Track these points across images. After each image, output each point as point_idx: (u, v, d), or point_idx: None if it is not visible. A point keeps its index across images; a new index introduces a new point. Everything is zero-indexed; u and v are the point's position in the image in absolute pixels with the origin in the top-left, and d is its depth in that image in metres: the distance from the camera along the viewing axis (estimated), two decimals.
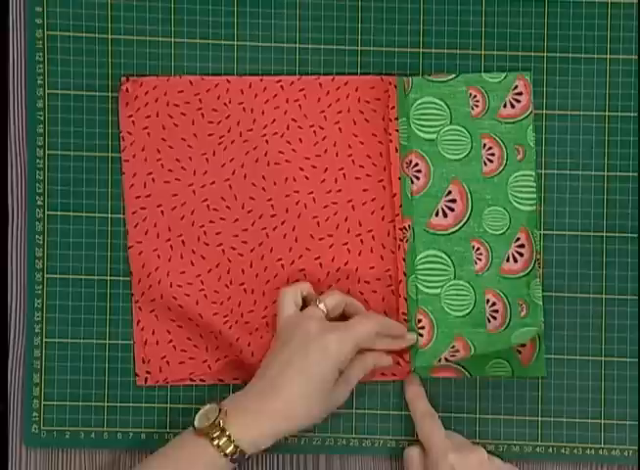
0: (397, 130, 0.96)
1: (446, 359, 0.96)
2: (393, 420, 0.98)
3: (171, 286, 0.97)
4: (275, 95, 0.97)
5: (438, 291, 0.95)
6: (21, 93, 0.98)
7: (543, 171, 0.97)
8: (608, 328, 0.97)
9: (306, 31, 0.98)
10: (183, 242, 0.97)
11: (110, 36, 0.97)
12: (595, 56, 0.97)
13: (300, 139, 0.97)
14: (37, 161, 0.97)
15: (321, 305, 0.92)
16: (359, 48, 0.98)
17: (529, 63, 0.97)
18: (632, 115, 0.97)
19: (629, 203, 0.97)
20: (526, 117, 0.96)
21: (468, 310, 0.96)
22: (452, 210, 0.96)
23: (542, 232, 0.97)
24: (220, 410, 0.86)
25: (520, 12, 0.97)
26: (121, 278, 0.98)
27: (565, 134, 0.97)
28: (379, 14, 0.97)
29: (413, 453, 0.94)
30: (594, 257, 0.97)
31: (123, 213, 0.97)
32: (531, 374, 0.97)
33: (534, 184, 0.96)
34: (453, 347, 0.95)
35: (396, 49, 0.98)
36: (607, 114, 0.98)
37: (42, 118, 0.97)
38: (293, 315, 0.92)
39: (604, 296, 0.97)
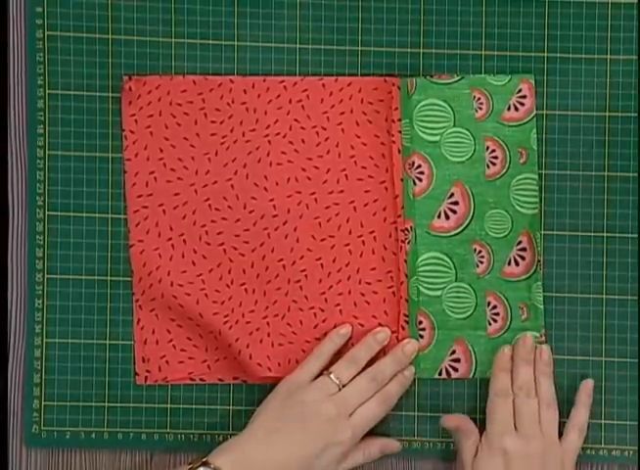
0: (400, 132, 0.96)
1: (447, 374, 0.96)
2: (394, 420, 0.98)
3: (172, 285, 0.97)
4: (278, 95, 0.97)
5: (440, 293, 0.96)
6: (21, 93, 0.97)
7: (544, 172, 0.97)
8: (608, 328, 0.97)
9: (307, 31, 0.98)
10: (184, 241, 0.97)
11: (110, 36, 0.97)
12: (595, 56, 0.97)
13: (303, 140, 0.97)
14: (37, 161, 0.97)
15: (332, 376, 0.92)
16: (360, 48, 0.98)
17: (530, 63, 0.97)
18: (633, 115, 0.97)
19: (630, 203, 0.97)
20: (530, 120, 0.96)
21: (469, 313, 0.96)
22: (454, 212, 0.96)
23: (543, 232, 0.97)
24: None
25: (520, 12, 0.97)
26: (122, 278, 0.98)
27: (565, 134, 0.97)
28: (379, 14, 0.97)
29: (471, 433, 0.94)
30: (594, 257, 0.98)
31: (124, 214, 0.97)
32: None
33: (537, 188, 0.97)
34: (453, 352, 0.96)
35: (397, 49, 0.97)
36: (607, 114, 0.98)
37: (42, 119, 0.97)
38: (306, 381, 0.92)
39: (604, 296, 0.98)
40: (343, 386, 0.91)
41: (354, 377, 0.93)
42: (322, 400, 0.90)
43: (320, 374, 0.93)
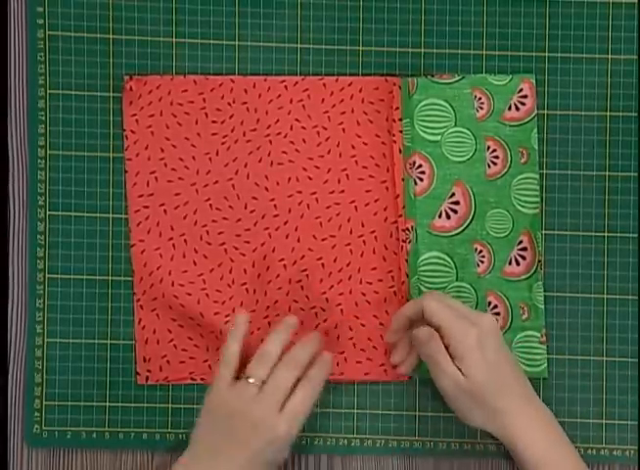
0: (401, 131, 0.96)
1: None
2: (395, 420, 0.98)
3: (173, 285, 0.97)
4: (279, 95, 0.97)
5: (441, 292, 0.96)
6: (22, 93, 0.98)
7: (545, 171, 0.97)
8: (609, 328, 0.98)
9: (308, 31, 0.98)
10: (185, 241, 0.97)
11: (111, 36, 0.97)
12: (596, 56, 0.98)
13: (304, 139, 0.97)
14: (39, 161, 0.97)
15: (250, 380, 0.88)
16: (360, 48, 0.98)
17: (531, 63, 0.97)
18: (633, 115, 0.98)
19: (630, 203, 0.98)
20: (531, 120, 0.96)
21: None
22: (455, 211, 0.96)
23: (544, 232, 0.97)
24: None
25: (521, 12, 0.97)
26: (122, 278, 0.98)
27: (566, 134, 0.98)
28: (380, 14, 0.97)
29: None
30: (595, 257, 0.98)
31: (125, 214, 0.97)
32: (533, 374, 0.97)
33: (538, 187, 0.97)
34: None
35: (398, 49, 0.98)
36: (608, 114, 0.98)
37: (43, 119, 0.97)
38: (225, 392, 0.89)
39: (605, 296, 0.98)
40: (264, 383, 0.88)
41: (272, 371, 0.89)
42: (247, 408, 0.87)
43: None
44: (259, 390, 0.87)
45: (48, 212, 0.97)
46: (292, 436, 0.88)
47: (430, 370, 0.90)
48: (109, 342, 0.98)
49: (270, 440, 0.87)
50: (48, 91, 0.97)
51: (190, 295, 0.97)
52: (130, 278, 0.98)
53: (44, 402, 0.98)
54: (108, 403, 0.98)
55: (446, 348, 0.89)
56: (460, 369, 0.87)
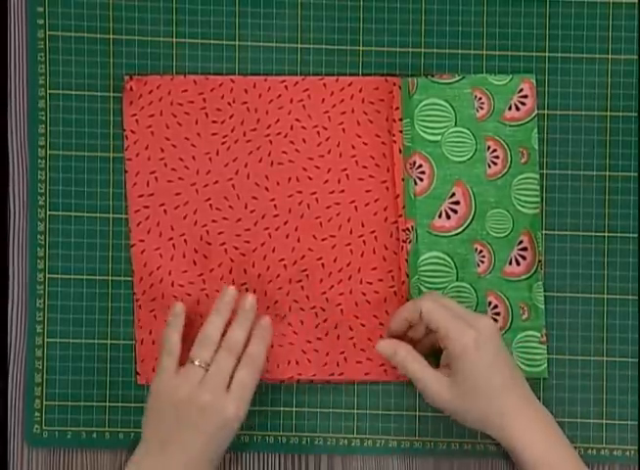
0: (401, 131, 0.96)
1: None
2: (395, 420, 0.98)
3: (173, 285, 0.97)
4: (279, 95, 0.97)
5: (441, 292, 0.95)
6: (22, 93, 0.98)
7: (545, 172, 0.97)
8: (609, 328, 0.98)
9: (308, 31, 0.98)
10: (185, 241, 0.97)
11: (111, 36, 0.97)
12: (597, 56, 0.98)
13: (304, 139, 0.97)
14: (39, 161, 0.97)
15: (196, 362, 0.90)
16: (361, 48, 0.98)
17: (531, 63, 0.97)
18: (634, 115, 0.98)
19: (631, 203, 0.98)
20: (531, 119, 0.96)
21: None
22: (455, 211, 0.96)
23: (544, 232, 0.97)
24: None
25: (521, 12, 0.97)
26: (123, 278, 0.98)
27: (566, 134, 0.98)
28: (380, 14, 0.97)
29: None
30: (596, 257, 0.98)
31: (125, 214, 0.97)
32: (533, 375, 0.97)
33: (538, 187, 0.97)
34: None
35: (398, 49, 0.98)
36: (608, 114, 0.98)
37: (44, 118, 0.97)
38: (171, 380, 0.90)
39: (605, 296, 0.98)
40: (209, 365, 0.89)
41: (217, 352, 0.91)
42: (194, 392, 0.88)
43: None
44: (205, 373, 0.89)
45: (48, 212, 0.97)
46: (240, 417, 0.89)
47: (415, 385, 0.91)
48: (109, 342, 0.98)
49: (220, 422, 0.88)
50: (48, 91, 0.97)
51: (190, 295, 0.97)
52: (130, 278, 0.98)
53: (44, 402, 0.98)
54: (108, 403, 0.98)
55: (442, 350, 0.90)
56: (456, 370, 0.88)
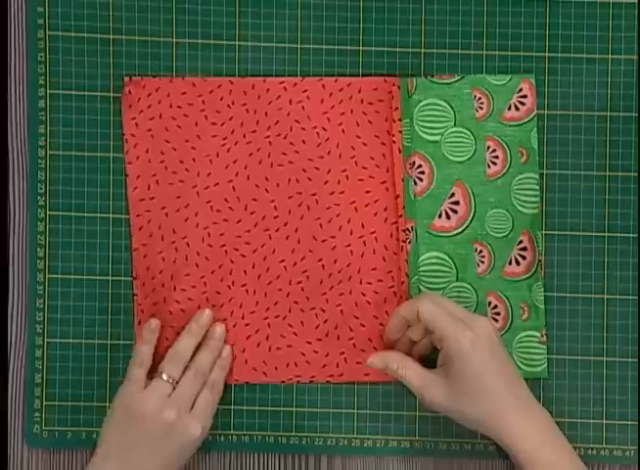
0: (401, 132, 0.96)
1: None
2: (395, 420, 0.98)
3: (175, 289, 0.97)
4: (278, 96, 0.97)
5: (441, 293, 0.95)
6: (22, 93, 0.98)
7: (545, 172, 0.97)
8: (609, 328, 0.98)
9: (308, 32, 0.98)
10: (188, 244, 0.97)
11: (111, 36, 0.97)
12: (597, 56, 0.97)
13: (303, 141, 0.97)
14: (39, 161, 0.97)
15: (164, 376, 0.93)
16: (361, 48, 0.98)
17: (531, 63, 0.97)
18: (634, 115, 0.98)
19: (631, 203, 0.98)
20: (531, 119, 0.96)
21: None
22: (455, 212, 0.96)
23: (544, 232, 0.97)
24: None
25: (521, 12, 0.97)
26: (123, 278, 0.98)
27: (566, 134, 0.98)
28: (380, 14, 0.97)
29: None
30: (596, 257, 0.98)
31: (125, 214, 0.97)
32: (533, 375, 0.97)
33: (538, 187, 0.97)
34: None
35: (398, 49, 0.98)
36: (608, 114, 0.98)
37: (44, 119, 0.97)
38: (139, 392, 0.92)
39: (605, 296, 0.98)
40: (177, 382, 0.92)
41: (185, 370, 0.94)
42: (161, 408, 0.90)
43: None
44: (172, 389, 0.92)
45: (48, 212, 0.97)
46: (201, 436, 0.93)
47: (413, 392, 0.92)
48: (109, 342, 0.98)
49: (182, 440, 0.91)
50: (48, 91, 0.97)
51: (191, 300, 0.97)
52: (130, 278, 0.98)
53: (44, 402, 0.98)
54: (108, 403, 0.97)
55: (439, 350, 0.90)
56: (453, 371, 0.88)
